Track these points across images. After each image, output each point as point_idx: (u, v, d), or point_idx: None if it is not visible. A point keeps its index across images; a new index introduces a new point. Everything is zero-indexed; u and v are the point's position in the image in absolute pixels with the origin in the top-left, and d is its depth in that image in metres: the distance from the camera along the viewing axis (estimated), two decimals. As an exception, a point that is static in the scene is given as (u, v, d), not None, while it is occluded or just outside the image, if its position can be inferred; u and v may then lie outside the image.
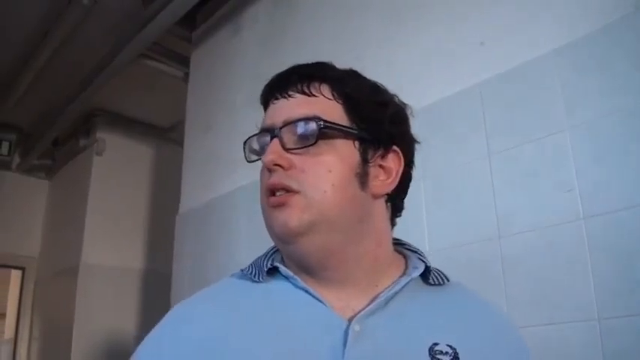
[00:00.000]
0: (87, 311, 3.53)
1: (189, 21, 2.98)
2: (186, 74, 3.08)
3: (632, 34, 1.29)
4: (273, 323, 0.75)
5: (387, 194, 0.86)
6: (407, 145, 0.89)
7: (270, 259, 0.83)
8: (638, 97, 1.25)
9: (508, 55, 1.53)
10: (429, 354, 0.74)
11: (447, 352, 0.74)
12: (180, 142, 3.62)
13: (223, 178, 2.48)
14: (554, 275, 1.31)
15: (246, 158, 0.92)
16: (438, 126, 1.65)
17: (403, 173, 0.86)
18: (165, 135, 4.19)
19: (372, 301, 0.79)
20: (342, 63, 2.00)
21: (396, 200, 0.90)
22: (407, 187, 0.91)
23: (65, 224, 4.21)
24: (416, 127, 1.68)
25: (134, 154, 4.15)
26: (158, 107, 3.93)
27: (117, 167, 4.02)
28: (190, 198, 2.68)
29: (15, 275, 4.69)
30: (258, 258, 0.85)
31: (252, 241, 2.21)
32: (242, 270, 0.85)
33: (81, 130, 4.12)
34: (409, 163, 0.89)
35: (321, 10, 2.21)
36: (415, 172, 1.62)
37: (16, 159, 4.43)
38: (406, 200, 1.61)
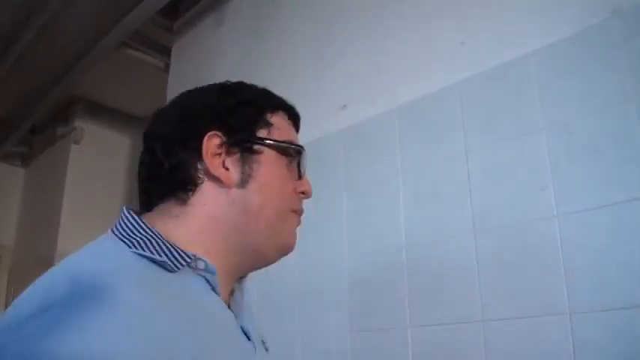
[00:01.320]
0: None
1: (172, 11, 2.97)
2: (167, 64, 3.08)
3: (608, 39, 1.33)
4: (206, 327, 0.70)
5: None
6: None
7: (179, 249, 0.72)
8: (611, 99, 1.29)
9: (487, 55, 1.56)
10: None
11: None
12: (159, 133, 3.61)
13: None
14: (527, 270, 1.35)
15: (303, 170, 0.94)
16: (418, 123, 1.68)
17: None
18: (143, 125, 4.15)
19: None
20: (324, 59, 2.04)
21: None
22: None
23: (41, 213, 4.16)
24: (396, 124, 1.71)
25: (112, 144, 4.13)
26: (137, 97, 3.91)
27: (94, 156, 3.99)
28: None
29: (-12, 264, 4.65)
30: (160, 242, 0.72)
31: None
32: (139, 252, 0.70)
33: (59, 118, 4.08)
34: None
35: (305, 5, 2.22)
36: (393, 168, 1.66)
37: (-8, 146, 4.38)
38: (384, 194, 1.64)
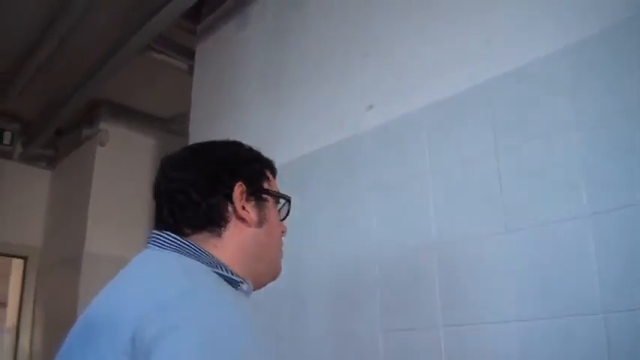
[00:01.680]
0: (90, 300, 3.55)
1: (195, 14, 2.99)
2: (191, 67, 3.10)
3: (638, 36, 1.32)
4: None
5: None
6: None
7: (232, 272, 0.98)
8: (643, 97, 1.28)
9: (515, 53, 1.55)
10: None
11: None
12: (181, 133, 3.64)
13: (229, 170, 2.50)
14: (559, 270, 1.34)
15: (286, 214, 1.17)
16: (446, 122, 1.67)
17: None
18: (167, 126, 4.21)
19: None
20: (349, 59, 2.04)
21: None
22: None
23: (68, 214, 4.23)
24: (424, 123, 1.70)
25: (136, 145, 4.18)
26: (161, 99, 3.95)
27: (119, 157, 4.05)
28: (196, 190, 2.70)
29: (16, 264, 4.71)
30: (224, 265, 0.97)
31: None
32: (216, 271, 0.94)
33: (84, 121, 4.14)
34: None
35: (329, 5, 2.22)
36: (422, 168, 1.66)
37: (18, 148, 4.46)
38: (413, 194, 1.63)
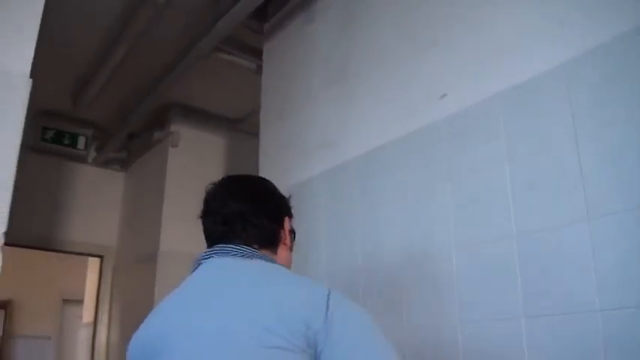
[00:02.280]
0: (166, 295, 3.67)
1: (261, 13, 3.03)
2: (259, 66, 3.16)
3: None
4: None
5: None
6: None
7: None
8: None
9: (590, 33, 1.51)
10: None
11: None
12: (251, 133, 3.71)
13: (299, 165, 2.54)
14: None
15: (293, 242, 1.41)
16: (523, 108, 1.64)
17: None
18: (237, 126, 4.30)
19: None
20: (418, 47, 2.04)
21: None
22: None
23: (142, 214, 4.37)
24: (500, 110, 1.68)
25: (207, 145, 4.28)
26: (230, 99, 4.03)
27: (191, 158, 4.15)
28: (267, 186, 2.74)
29: (92, 263, 4.92)
30: None
31: (331, 226, 2.27)
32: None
33: (155, 124, 4.26)
34: None
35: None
36: (498, 155, 1.64)
37: (92, 153, 4.64)
38: (490, 183, 1.60)
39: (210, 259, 1.22)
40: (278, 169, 2.70)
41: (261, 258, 1.22)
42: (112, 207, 4.76)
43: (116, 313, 4.50)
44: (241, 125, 4.27)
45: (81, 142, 4.52)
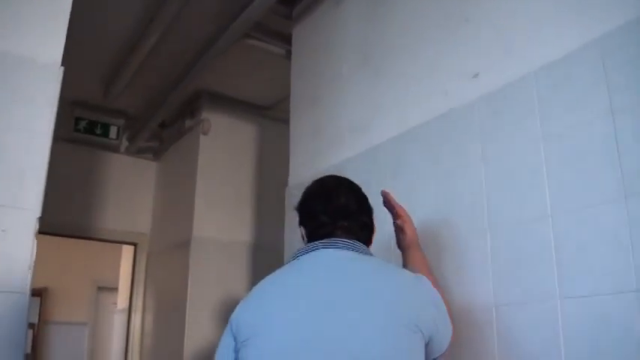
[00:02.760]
0: (199, 281, 3.73)
1: (289, -2, 3.03)
2: (288, 51, 3.15)
3: None
4: None
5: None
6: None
7: None
8: None
9: (627, 4, 1.46)
10: None
11: None
12: (281, 119, 3.70)
13: (330, 150, 2.53)
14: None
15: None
16: (558, 86, 1.60)
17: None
18: (267, 113, 4.31)
19: None
20: (450, 26, 2.00)
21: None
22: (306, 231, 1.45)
23: (174, 201, 4.42)
24: (534, 89, 1.64)
25: (238, 132, 4.29)
26: (259, 85, 4.03)
27: (222, 145, 4.18)
28: (299, 170, 2.75)
29: (126, 250, 5.01)
30: None
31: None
32: None
33: (186, 112, 4.29)
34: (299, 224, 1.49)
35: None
36: (533, 133, 1.60)
37: (124, 142, 4.69)
38: (525, 163, 1.56)
39: (326, 249, 1.34)
40: (309, 154, 2.69)
41: (369, 253, 1.40)
42: (144, 195, 4.82)
43: (150, 299, 4.57)
44: (271, 112, 4.28)
45: (113, 132, 4.56)
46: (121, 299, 5.06)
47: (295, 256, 1.37)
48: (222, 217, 3.97)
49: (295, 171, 2.78)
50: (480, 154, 1.80)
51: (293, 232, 2.64)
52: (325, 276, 1.28)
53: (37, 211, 1.66)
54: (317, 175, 2.55)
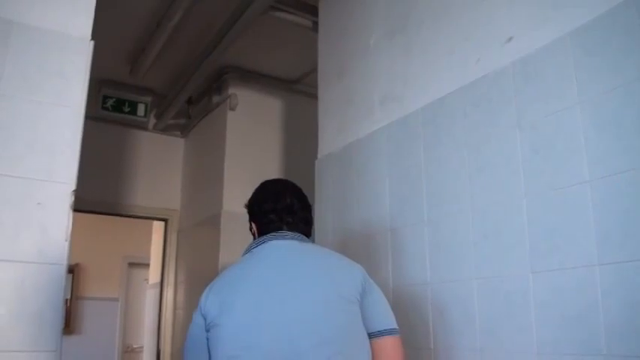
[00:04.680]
0: (230, 255, 3.75)
1: (316, -31, 2.99)
2: (315, 23, 3.11)
3: None
4: None
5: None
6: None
7: None
8: None
9: None
10: None
11: None
12: (308, 93, 3.69)
13: (360, 121, 2.51)
14: None
15: None
16: (595, 48, 1.55)
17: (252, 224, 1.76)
18: (294, 87, 4.29)
19: None
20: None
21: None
22: (257, 225, 1.72)
23: (204, 177, 4.45)
24: (570, 52, 1.58)
25: (265, 107, 4.29)
26: (285, 60, 4.01)
27: (250, 120, 4.18)
28: (328, 143, 2.74)
29: (157, 227, 5.07)
30: None
31: (394, 180, 2.24)
32: None
33: (213, 88, 4.29)
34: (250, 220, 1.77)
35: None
36: (569, 98, 1.55)
37: (152, 119, 4.72)
38: (561, 130, 1.49)
39: (275, 241, 1.61)
40: (338, 126, 2.68)
41: (310, 242, 1.70)
42: (174, 172, 4.87)
43: (182, 273, 4.64)
44: (298, 86, 4.26)
45: (141, 110, 4.59)
46: (153, 274, 5.13)
47: (249, 250, 1.65)
48: (251, 191, 3.96)
49: (324, 143, 2.77)
50: (515, 120, 1.76)
51: (323, 204, 2.66)
52: (274, 263, 1.55)
53: (71, 184, 1.68)
54: (347, 147, 2.60)
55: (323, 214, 2.63)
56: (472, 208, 1.87)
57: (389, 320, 1.54)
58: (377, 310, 1.53)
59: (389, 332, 1.51)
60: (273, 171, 4.08)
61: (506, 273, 1.72)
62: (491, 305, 1.75)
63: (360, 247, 2.37)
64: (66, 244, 1.65)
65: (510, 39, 1.82)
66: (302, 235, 1.66)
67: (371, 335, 1.49)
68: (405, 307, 2.06)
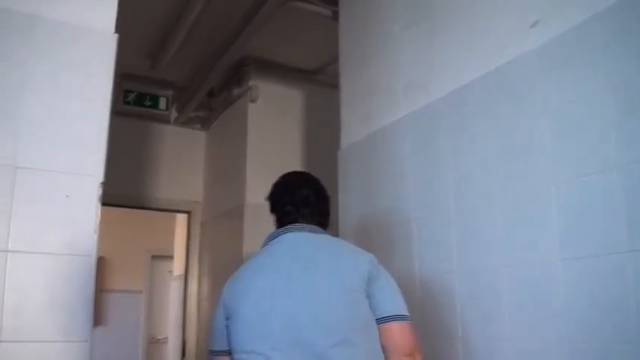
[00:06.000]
0: (254, 246, 3.76)
1: (335, -43, 2.97)
2: (335, 12, 3.09)
3: None
4: None
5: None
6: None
7: None
8: None
9: None
10: None
11: None
12: (328, 84, 3.67)
13: (384, 109, 2.49)
14: None
15: None
16: (625, 30, 1.51)
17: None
18: (314, 77, 4.28)
19: None
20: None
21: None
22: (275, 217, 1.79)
23: (225, 169, 4.47)
24: (599, 33, 1.55)
25: (285, 99, 4.29)
26: (305, 50, 4.00)
27: (271, 112, 4.18)
28: (351, 133, 2.73)
29: (180, 219, 5.12)
30: None
31: (420, 169, 2.23)
32: None
33: (233, 80, 4.29)
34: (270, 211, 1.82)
35: None
36: (597, 82, 1.52)
37: (174, 113, 4.75)
38: (590, 114, 1.48)
39: (289, 234, 1.68)
40: (361, 115, 2.67)
41: (324, 233, 1.74)
42: (196, 164, 4.90)
43: (205, 265, 4.68)
44: (319, 76, 4.24)
45: (162, 103, 4.62)
46: (177, 266, 5.18)
47: (266, 243, 1.73)
48: (272, 182, 3.97)
49: (347, 133, 2.76)
50: (541, 106, 1.73)
51: (347, 194, 2.66)
52: (287, 255, 1.62)
53: (99, 177, 1.70)
54: (370, 136, 2.59)
55: (347, 204, 2.62)
56: (499, 196, 1.85)
57: (396, 307, 1.57)
58: (382, 296, 1.56)
59: (394, 318, 1.54)
60: (294, 161, 4.08)
61: (535, 260, 1.70)
62: (520, 293, 1.74)
63: (385, 236, 2.36)
64: (95, 236, 1.67)
65: (536, 23, 1.79)
66: (317, 227, 1.71)
67: (378, 321, 1.54)
68: (433, 295, 2.06)
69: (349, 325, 1.50)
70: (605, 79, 1.55)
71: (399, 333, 1.54)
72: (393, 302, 1.58)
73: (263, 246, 1.74)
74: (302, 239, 1.67)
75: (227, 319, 1.62)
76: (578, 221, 1.58)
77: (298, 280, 1.55)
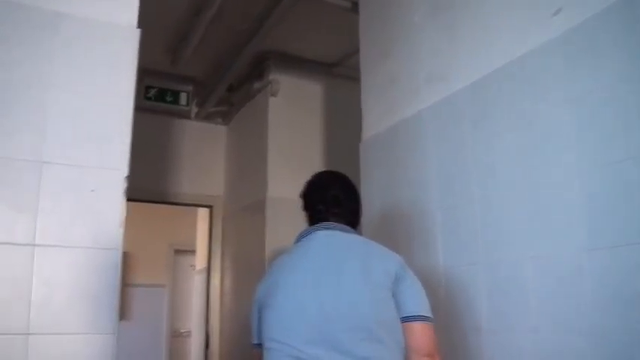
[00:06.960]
0: (276, 240, 3.79)
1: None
2: (354, 4, 3.08)
3: None
4: None
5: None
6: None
7: None
8: None
9: None
10: None
11: None
12: (349, 76, 3.66)
13: (406, 101, 2.48)
14: None
15: None
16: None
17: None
18: (334, 70, 4.27)
19: None
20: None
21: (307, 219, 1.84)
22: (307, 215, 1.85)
23: (247, 163, 4.48)
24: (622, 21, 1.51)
25: (306, 92, 4.28)
26: (325, 43, 3.99)
27: (291, 105, 4.19)
28: (373, 125, 2.72)
29: (202, 213, 5.15)
30: None
31: (442, 160, 2.22)
32: None
33: (253, 74, 4.30)
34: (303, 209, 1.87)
35: None
36: (622, 71, 1.50)
37: (194, 108, 4.77)
38: (615, 104, 1.45)
39: (320, 231, 1.72)
40: (383, 107, 2.66)
41: (354, 232, 1.79)
42: (217, 159, 4.93)
43: (228, 259, 4.70)
44: (339, 69, 4.22)
45: (183, 99, 4.64)
46: (200, 260, 5.22)
47: (297, 240, 1.77)
48: (295, 176, 3.95)
49: (369, 125, 2.75)
50: (564, 96, 1.71)
51: (369, 186, 2.65)
52: (317, 252, 1.66)
53: (124, 171, 1.72)
54: (392, 128, 2.58)
55: (369, 196, 2.61)
56: (523, 186, 1.83)
57: (420, 307, 1.60)
58: (407, 296, 1.59)
59: (417, 318, 1.58)
60: (315, 155, 4.09)
61: (560, 252, 1.68)
62: (545, 284, 1.72)
63: (407, 228, 2.36)
64: (121, 229, 1.69)
65: (559, 10, 1.77)
66: (347, 226, 1.75)
67: (401, 320, 1.57)
68: (457, 287, 2.05)
69: (376, 322, 1.54)
70: (628, 67, 1.52)
71: (420, 333, 1.57)
72: (418, 302, 1.60)
73: (295, 243, 1.78)
74: (333, 237, 1.70)
75: (259, 311, 1.70)
76: (603, 212, 1.56)
77: (328, 276, 1.59)
